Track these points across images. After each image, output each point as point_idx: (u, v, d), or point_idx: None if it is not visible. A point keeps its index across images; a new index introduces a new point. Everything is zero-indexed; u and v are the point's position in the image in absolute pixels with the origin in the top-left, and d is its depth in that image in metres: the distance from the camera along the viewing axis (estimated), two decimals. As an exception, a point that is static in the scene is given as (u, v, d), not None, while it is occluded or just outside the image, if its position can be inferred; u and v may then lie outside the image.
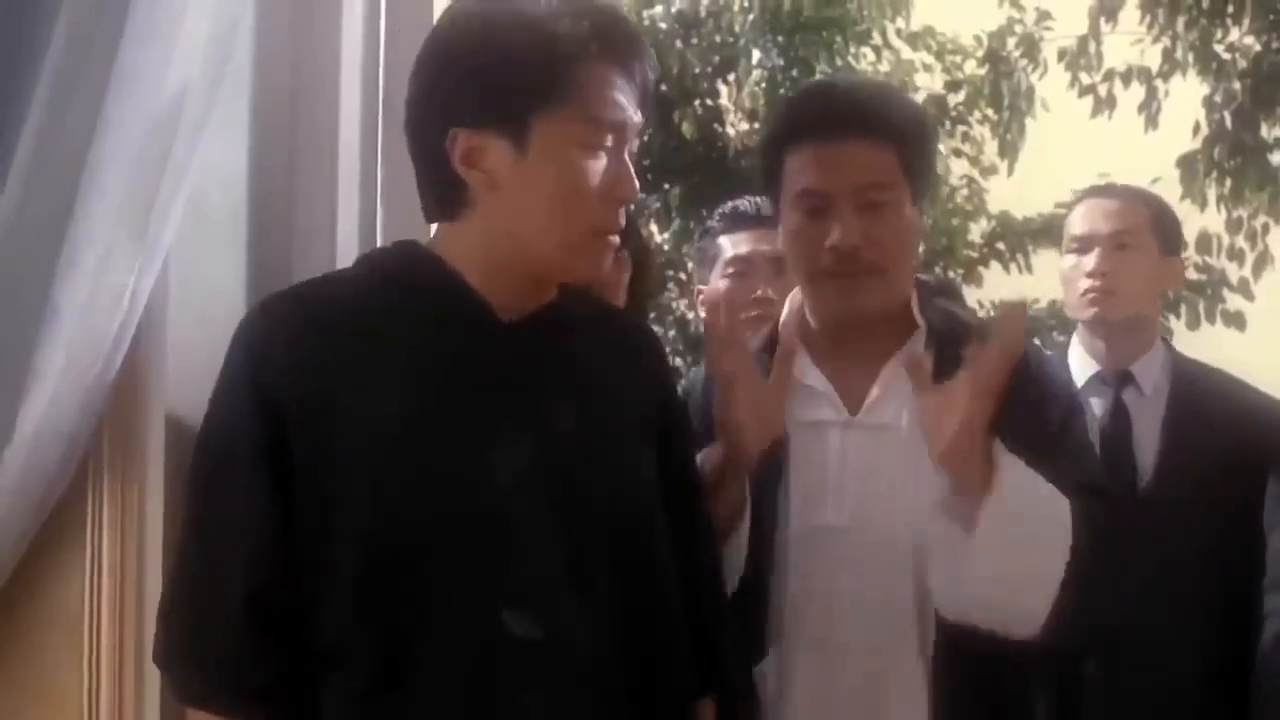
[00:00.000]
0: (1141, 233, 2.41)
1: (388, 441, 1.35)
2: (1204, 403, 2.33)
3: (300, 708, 1.34)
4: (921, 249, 1.82)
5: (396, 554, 1.33)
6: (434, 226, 1.52)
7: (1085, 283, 2.40)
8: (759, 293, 2.46)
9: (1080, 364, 2.43)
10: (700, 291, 2.64)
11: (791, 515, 1.71)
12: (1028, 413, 1.68)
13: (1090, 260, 2.39)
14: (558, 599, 1.36)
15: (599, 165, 1.39)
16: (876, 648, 1.67)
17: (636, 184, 1.42)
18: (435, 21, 1.47)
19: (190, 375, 1.63)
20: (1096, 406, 2.36)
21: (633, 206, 1.51)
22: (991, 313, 7.67)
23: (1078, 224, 2.45)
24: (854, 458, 1.71)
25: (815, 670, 1.69)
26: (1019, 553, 1.53)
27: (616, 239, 1.44)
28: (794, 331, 1.78)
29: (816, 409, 1.75)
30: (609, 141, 1.40)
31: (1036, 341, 7.18)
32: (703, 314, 2.66)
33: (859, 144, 1.69)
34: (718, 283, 2.54)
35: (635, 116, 1.42)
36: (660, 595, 1.44)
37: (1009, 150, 7.36)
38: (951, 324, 1.75)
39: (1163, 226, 2.45)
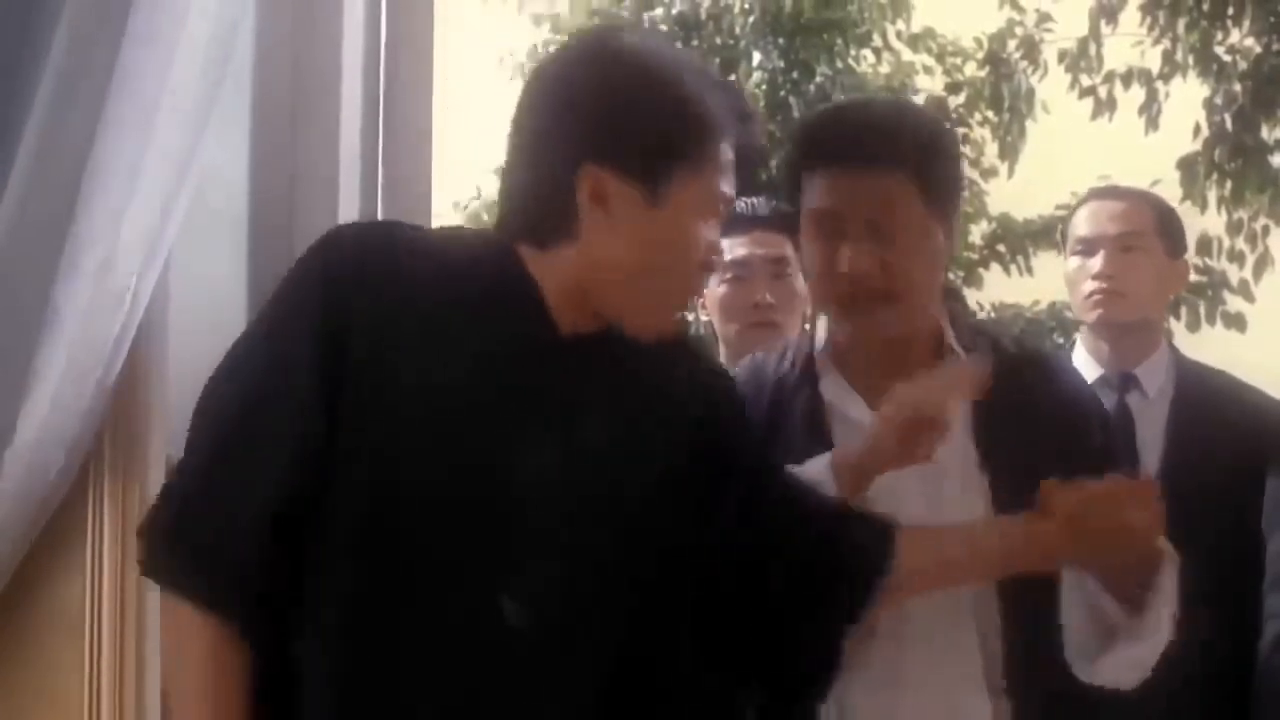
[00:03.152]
0: (1147, 235, 2.40)
1: (426, 411, 1.34)
2: (1208, 405, 2.32)
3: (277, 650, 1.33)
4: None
5: (400, 521, 1.33)
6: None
7: (1091, 285, 2.38)
8: (758, 298, 2.46)
9: (1084, 366, 2.41)
10: (701, 295, 2.64)
11: None
12: (1074, 441, 1.68)
13: (1096, 262, 2.38)
14: (551, 607, 1.36)
15: (711, 236, 1.42)
16: (941, 687, 1.65)
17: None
18: (576, 43, 1.48)
19: (191, 376, 1.62)
20: (1100, 410, 2.36)
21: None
22: (992, 314, 7.69)
23: (1083, 225, 2.44)
24: (897, 490, 1.68)
25: (878, 709, 1.66)
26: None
27: None
28: (829, 355, 1.78)
29: (858, 440, 1.71)
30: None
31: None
32: (704, 316, 2.66)
33: (869, 169, 1.66)
34: (716, 287, 2.53)
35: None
36: (655, 641, 1.44)
37: (1009, 152, 7.36)
38: (996, 358, 1.72)
39: (1168, 228, 2.44)
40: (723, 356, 2.56)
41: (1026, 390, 1.71)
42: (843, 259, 1.66)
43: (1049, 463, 1.61)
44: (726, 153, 1.41)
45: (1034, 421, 1.68)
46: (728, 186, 1.42)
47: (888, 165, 1.66)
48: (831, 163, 1.69)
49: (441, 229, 1.55)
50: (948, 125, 1.82)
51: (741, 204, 2.58)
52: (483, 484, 1.36)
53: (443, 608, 1.33)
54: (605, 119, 1.37)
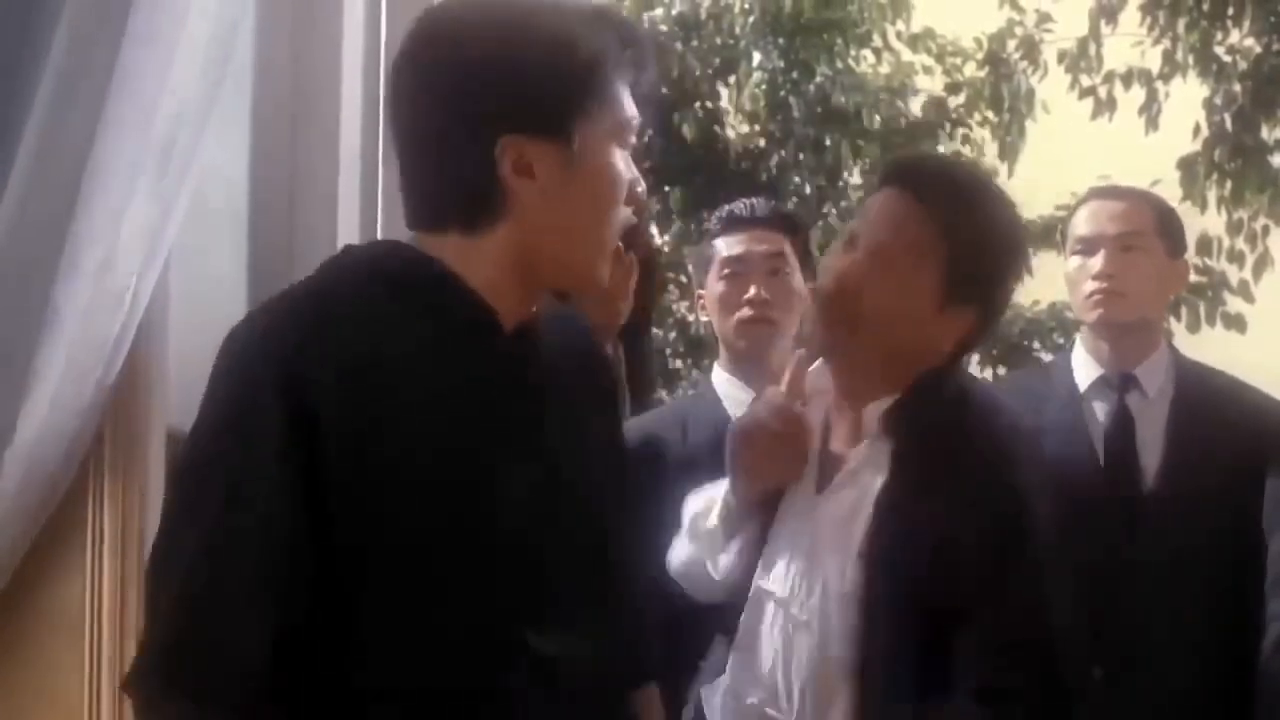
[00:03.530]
0: (1147, 234, 2.40)
1: (424, 457, 1.29)
2: (1208, 406, 2.32)
3: None
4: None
5: (431, 564, 1.28)
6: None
7: (1091, 284, 2.38)
8: (752, 292, 2.46)
9: (1084, 367, 2.42)
10: (700, 295, 2.64)
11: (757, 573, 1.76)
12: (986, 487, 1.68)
13: (1096, 262, 2.38)
14: (575, 614, 1.35)
15: (630, 170, 1.40)
16: (796, 711, 1.68)
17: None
18: (433, 20, 1.37)
19: (191, 376, 1.62)
20: (1099, 410, 2.35)
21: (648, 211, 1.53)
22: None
23: (1082, 225, 2.44)
24: (810, 529, 1.73)
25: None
26: None
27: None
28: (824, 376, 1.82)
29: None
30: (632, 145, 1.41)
31: (1038, 350, 7.20)
32: (703, 317, 2.67)
33: (884, 188, 1.81)
34: (714, 285, 2.54)
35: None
36: (631, 597, 1.46)
37: (1009, 153, 7.36)
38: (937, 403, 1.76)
39: (1168, 228, 2.44)
40: (722, 355, 2.56)
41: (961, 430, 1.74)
42: (836, 259, 1.79)
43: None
44: (621, 80, 1.38)
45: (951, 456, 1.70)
46: (630, 112, 1.39)
47: (900, 188, 1.78)
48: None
49: (327, 270, 1.40)
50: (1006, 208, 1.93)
51: (740, 203, 2.59)
52: (495, 514, 1.32)
53: (481, 648, 1.29)
54: (508, 86, 1.32)
